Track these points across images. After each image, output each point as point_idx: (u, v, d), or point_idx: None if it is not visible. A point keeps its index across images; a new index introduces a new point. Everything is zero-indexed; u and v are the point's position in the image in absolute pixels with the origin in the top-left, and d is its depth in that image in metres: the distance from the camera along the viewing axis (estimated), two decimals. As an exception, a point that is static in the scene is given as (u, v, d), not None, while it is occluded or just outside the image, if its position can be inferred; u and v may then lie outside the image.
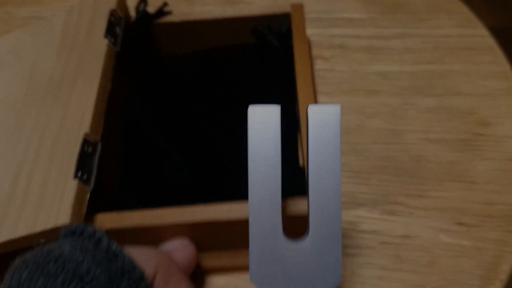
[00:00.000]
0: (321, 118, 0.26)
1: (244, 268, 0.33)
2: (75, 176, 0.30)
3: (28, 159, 0.33)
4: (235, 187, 0.32)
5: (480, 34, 0.46)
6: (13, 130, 0.35)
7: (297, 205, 0.31)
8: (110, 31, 0.38)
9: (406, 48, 0.46)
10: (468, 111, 0.42)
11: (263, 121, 0.27)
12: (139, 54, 0.43)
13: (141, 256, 0.25)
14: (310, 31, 0.48)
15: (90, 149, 0.32)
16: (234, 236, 0.32)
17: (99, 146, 0.33)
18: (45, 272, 0.22)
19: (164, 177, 0.39)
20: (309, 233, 0.26)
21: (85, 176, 0.30)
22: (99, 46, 0.37)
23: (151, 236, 0.32)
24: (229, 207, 0.31)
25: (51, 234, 0.29)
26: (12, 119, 0.36)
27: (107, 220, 0.31)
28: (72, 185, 0.30)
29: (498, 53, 0.45)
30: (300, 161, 0.34)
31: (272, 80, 0.40)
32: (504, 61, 0.44)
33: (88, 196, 0.30)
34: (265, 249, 0.26)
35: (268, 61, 0.40)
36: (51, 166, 0.32)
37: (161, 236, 0.33)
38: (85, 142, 0.32)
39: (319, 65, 0.45)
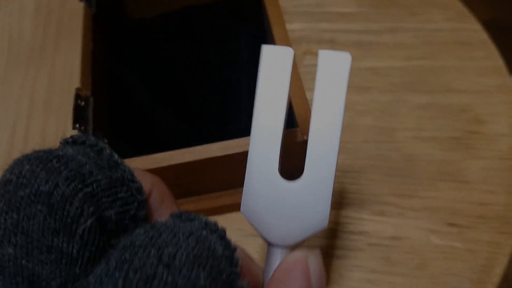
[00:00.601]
0: (330, 63, 0.26)
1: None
2: (74, 127, 0.31)
3: (21, 116, 0.35)
4: (218, 129, 0.35)
5: (473, 29, 0.45)
6: (1, 96, 0.36)
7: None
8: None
9: (397, 43, 0.45)
10: (461, 108, 0.41)
11: (275, 61, 0.27)
12: (112, 16, 0.43)
13: (138, 173, 0.24)
14: (299, 25, 0.46)
15: (83, 103, 0.32)
16: (224, 175, 0.34)
17: (91, 100, 0.33)
18: (48, 167, 0.21)
19: (152, 127, 0.40)
20: (303, 175, 0.26)
21: (82, 128, 0.31)
22: (76, 9, 0.40)
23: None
24: (219, 146, 0.33)
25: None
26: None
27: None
28: (72, 133, 0.30)
29: (492, 48, 0.44)
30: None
31: (245, 32, 0.40)
32: (497, 57, 0.43)
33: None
34: (260, 184, 0.26)
35: (240, 13, 0.41)
36: (47, 120, 0.33)
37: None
38: (78, 96, 0.33)
39: (308, 60, 0.44)
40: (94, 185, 0.21)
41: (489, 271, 0.33)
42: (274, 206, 0.26)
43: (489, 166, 0.38)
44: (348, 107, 0.41)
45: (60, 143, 0.23)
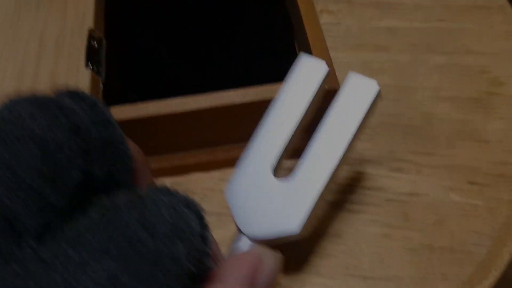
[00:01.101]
0: (356, 87, 0.27)
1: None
2: (86, 65, 0.30)
3: (31, 58, 0.34)
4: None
5: (494, -7, 0.44)
6: (9, 39, 0.35)
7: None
8: None
9: (417, 5, 0.44)
10: (480, 70, 0.40)
11: (307, 71, 0.28)
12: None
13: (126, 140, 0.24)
14: (315, -15, 0.45)
15: (96, 44, 0.31)
16: (240, 126, 0.33)
17: (104, 42, 0.32)
18: (48, 113, 0.20)
19: (164, 75, 0.39)
20: (293, 177, 0.26)
21: (95, 67, 0.30)
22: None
23: (167, 126, 0.33)
24: (237, 93, 0.32)
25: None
26: (6, 29, 0.36)
27: (122, 111, 0.31)
28: (85, 73, 0.30)
29: (510, 13, 0.43)
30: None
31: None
32: (518, 19, 0.42)
33: (101, 86, 0.30)
34: (250, 174, 0.27)
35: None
36: (57, 61, 0.32)
37: (177, 127, 0.33)
38: (91, 37, 0.32)
39: (324, 19, 0.43)
40: (89, 141, 0.20)
41: (510, 229, 0.32)
42: (256, 198, 0.27)
43: (508, 126, 0.37)
44: (365, 65, 0.40)
45: (56, 94, 0.23)
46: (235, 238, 0.27)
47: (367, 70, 0.40)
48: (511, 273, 0.32)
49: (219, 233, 0.32)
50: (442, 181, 0.34)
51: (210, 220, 0.33)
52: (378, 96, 0.27)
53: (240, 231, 0.27)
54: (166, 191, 0.22)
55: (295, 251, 0.32)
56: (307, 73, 0.28)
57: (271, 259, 0.26)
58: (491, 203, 0.33)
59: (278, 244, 0.26)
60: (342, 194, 0.34)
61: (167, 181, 0.35)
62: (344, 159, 0.26)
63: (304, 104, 0.28)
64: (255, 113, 0.33)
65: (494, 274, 0.31)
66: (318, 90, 0.28)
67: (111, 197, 0.20)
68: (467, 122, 0.37)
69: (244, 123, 0.34)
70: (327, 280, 0.31)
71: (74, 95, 0.22)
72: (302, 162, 0.26)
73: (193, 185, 0.35)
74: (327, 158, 0.26)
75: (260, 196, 0.27)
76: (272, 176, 0.27)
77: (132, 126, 0.32)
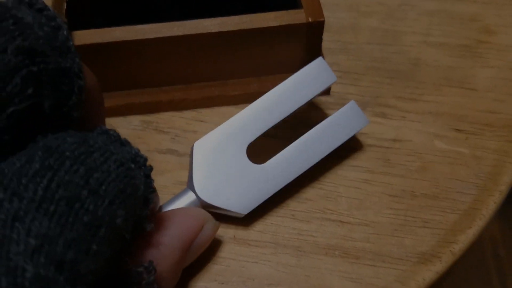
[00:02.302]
0: (351, 115, 0.30)
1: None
2: None
3: None
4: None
5: None
6: None
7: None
8: None
9: (408, -51, 0.41)
10: (471, 17, 0.38)
11: (316, 74, 0.30)
12: None
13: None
14: None
15: None
16: (216, 60, 0.32)
17: None
18: (1, 26, 0.18)
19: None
20: (261, 166, 0.28)
21: None
22: None
23: (136, 55, 0.31)
24: (213, 22, 0.30)
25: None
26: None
27: (87, 36, 0.29)
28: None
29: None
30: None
31: None
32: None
33: (65, 6, 0.27)
34: (223, 143, 0.28)
35: None
36: None
37: (146, 57, 0.31)
38: None
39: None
40: (42, 67, 0.18)
41: (496, 179, 0.31)
42: (220, 167, 0.28)
43: (498, 75, 0.35)
44: (352, 7, 0.38)
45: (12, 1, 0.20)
46: (182, 191, 0.28)
47: (355, 12, 0.38)
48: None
49: (185, 175, 0.30)
50: (427, 127, 0.33)
51: (180, 161, 0.31)
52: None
53: (191, 186, 0.28)
54: (117, 139, 0.21)
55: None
56: (315, 76, 0.30)
57: (211, 226, 0.26)
58: (477, 151, 0.32)
59: (218, 213, 0.28)
60: (322, 137, 0.32)
61: (136, 119, 0.33)
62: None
63: (300, 101, 0.30)
64: (233, 46, 0.31)
65: (479, 224, 0.29)
66: (318, 94, 0.30)
67: (57, 138, 0.18)
68: (456, 69, 0.35)
69: (221, 57, 0.32)
70: (303, 224, 0.29)
71: (37, 9, 0.20)
72: (276, 157, 0.28)
73: (164, 124, 0.33)
74: (297, 164, 0.28)
75: (226, 166, 0.28)
76: (244, 154, 0.28)
77: (97, 53, 0.30)
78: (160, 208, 0.27)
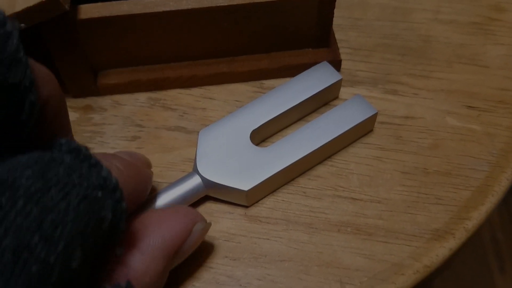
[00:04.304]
0: (357, 106, 0.30)
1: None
2: None
3: None
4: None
5: None
6: None
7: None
8: None
9: None
10: (482, -6, 0.37)
11: (324, 75, 0.31)
12: None
13: (40, 72, 0.19)
14: None
15: None
16: (222, 35, 0.31)
17: None
18: None
19: None
20: (265, 149, 0.28)
21: None
22: None
23: (143, 30, 0.30)
24: None
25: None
26: None
27: (93, 9, 0.29)
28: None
29: None
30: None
31: None
32: None
33: None
34: (229, 129, 0.29)
35: None
36: None
37: (153, 32, 0.30)
38: None
39: None
40: None
41: (509, 156, 0.30)
42: (225, 150, 0.28)
43: (509, 53, 0.35)
44: (361, -16, 0.37)
45: None
46: (188, 174, 0.28)
47: (363, -10, 0.37)
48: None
49: (193, 152, 0.29)
50: (439, 104, 0.32)
51: (189, 138, 0.31)
52: (374, 118, 0.30)
53: (196, 170, 0.28)
54: (86, 158, 0.18)
55: (281, 171, 0.29)
56: (320, 74, 0.31)
57: (200, 228, 0.24)
58: (490, 128, 0.31)
59: (225, 200, 0.28)
60: (332, 114, 0.32)
61: (143, 96, 0.32)
62: (318, 156, 0.29)
63: (305, 95, 0.30)
64: (243, 20, 0.30)
65: (491, 200, 0.29)
66: (324, 89, 0.31)
67: (14, 168, 0.16)
68: (467, 47, 0.35)
69: (230, 32, 0.31)
70: (314, 201, 0.29)
71: None
72: (280, 141, 0.29)
73: (172, 101, 0.32)
74: (301, 147, 0.28)
75: (229, 149, 0.28)
76: (248, 139, 0.29)
77: (104, 27, 0.29)
78: (165, 189, 0.27)
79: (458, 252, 0.28)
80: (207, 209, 0.28)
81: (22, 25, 0.27)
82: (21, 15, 0.26)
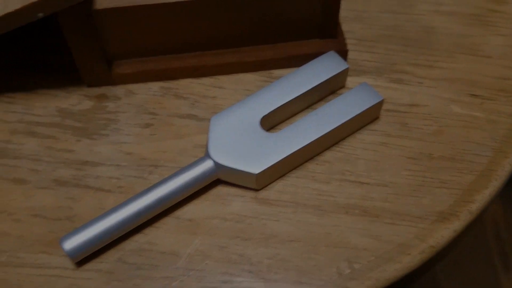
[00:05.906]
0: (363, 93, 0.31)
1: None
2: None
3: None
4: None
5: None
6: None
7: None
8: None
9: None
10: (482, -12, 0.38)
11: (331, 63, 0.32)
12: None
13: None
14: None
15: None
16: (230, 25, 0.32)
17: None
18: None
19: None
20: (275, 134, 0.29)
21: None
22: None
23: (156, 20, 0.31)
24: None
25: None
26: None
27: (107, 0, 0.30)
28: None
29: None
30: None
31: None
32: None
33: None
34: (240, 115, 0.30)
35: None
36: None
37: (165, 22, 0.31)
38: None
39: None
40: None
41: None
42: (236, 135, 0.29)
43: (509, 43, 0.36)
44: (365, -23, 0.38)
45: None
46: (200, 158, 0.29)
47: (367, -17, 0.38)
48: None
49: (205, 139, 0.30)
50: (443, 93, 0.33)
51: (200, 125, 0.32)
52: (380, 105, 0.31)
53: (208, 154, 0.29)
54: None
55: (290, 156, 0.30)
56: (328, 63, 0.32)
57: None
58: (493, 115, 0.32)
59: (236, 183, 0.29)
60: (339, 102, 0.33)
61: (155, 85, 0.33)
62: (326, 142, 0.30)
63: (313, 83, 0.31)
64: (248, 9, 0.31)
65: (495, 184, 0.30)
66: (331, 78, 0.32)
67: None
68: (468, 37, 0.36)
69: (239, 22, 0.32)
70: (322, 185, 0.30)
71: None
72: (288, 127, 0.29)
73: (183, 90, 0.33)
74: (310, 133, 0.29)
75: (240, 134, 0.29)
76: (258, 125, 0.29)
77: (117, 17, 0.30)
78: (179, 171, 0.28)
79: (462, 235, 0.29)
80: (219, 192, 0.29)
81: (41, 14, 0.28)
82: (39, 4, 0.27)
